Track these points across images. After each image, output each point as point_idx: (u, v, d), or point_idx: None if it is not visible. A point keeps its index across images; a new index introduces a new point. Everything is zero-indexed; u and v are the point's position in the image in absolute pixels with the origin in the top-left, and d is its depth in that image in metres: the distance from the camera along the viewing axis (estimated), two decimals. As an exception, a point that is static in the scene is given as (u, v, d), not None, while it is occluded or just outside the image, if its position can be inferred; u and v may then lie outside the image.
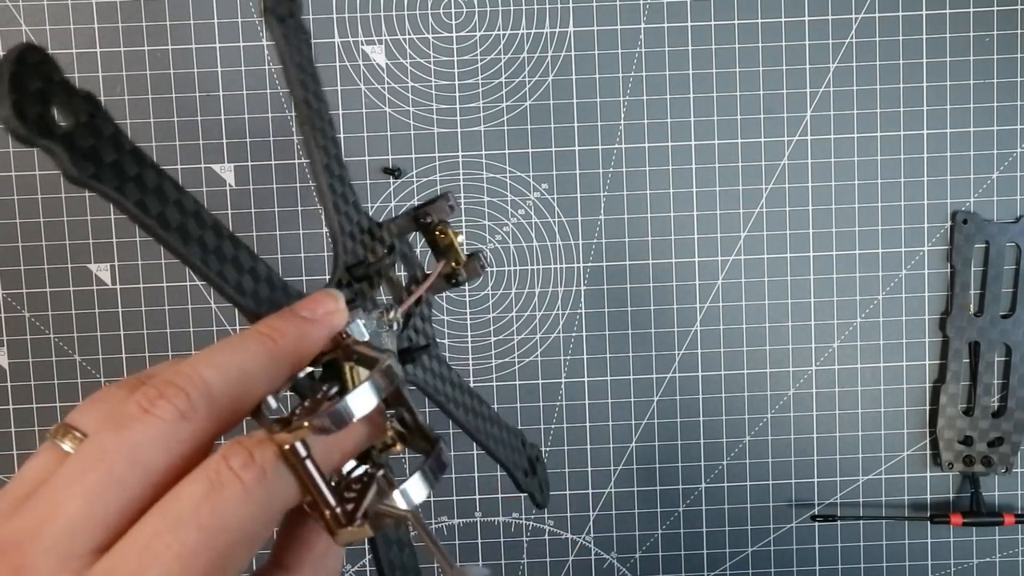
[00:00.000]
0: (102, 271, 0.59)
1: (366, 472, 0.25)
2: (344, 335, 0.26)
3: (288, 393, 0.26)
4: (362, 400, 0.23)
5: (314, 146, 0.31)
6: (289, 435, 0.22)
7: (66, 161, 0.21)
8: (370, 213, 0.59)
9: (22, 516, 0.20)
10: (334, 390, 0.25)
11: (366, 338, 0.27)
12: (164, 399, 0.22)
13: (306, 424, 0.22)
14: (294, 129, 0.58)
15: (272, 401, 0.24)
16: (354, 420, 0.23)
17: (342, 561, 0.26)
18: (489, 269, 0.60)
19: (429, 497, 0.25)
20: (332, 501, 0.23)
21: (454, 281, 0.36)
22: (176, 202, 0.25)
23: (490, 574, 0.30)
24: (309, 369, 0.26)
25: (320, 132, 0.32)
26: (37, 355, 0.59)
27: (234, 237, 0.26)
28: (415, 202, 0.59)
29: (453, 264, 0.36)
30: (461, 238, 0.36)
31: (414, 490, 0.24)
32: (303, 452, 0.22)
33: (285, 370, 0.24)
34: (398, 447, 0.26)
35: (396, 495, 0.24)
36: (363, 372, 0.25)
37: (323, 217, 0.32)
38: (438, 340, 0.36)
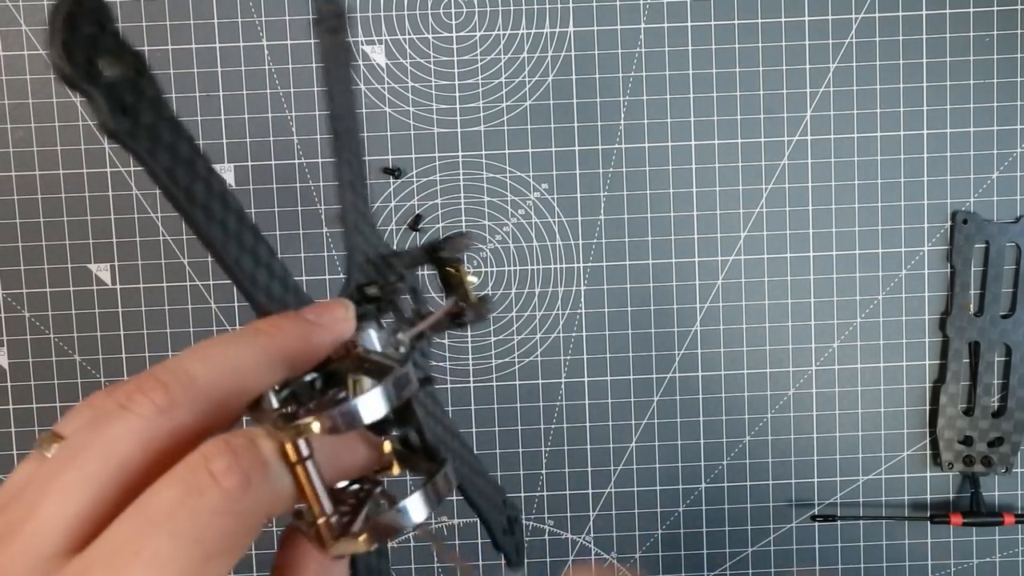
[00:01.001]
0: (102, 271, 0.59)
1: (361, 488, 0.24)
2: (354, 344, 0.25)
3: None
4: (372, 404, 0.22)
5: (343, 161, 0.31)
6: (293, 431, 0.21)
7: (104, 111, 0.21)
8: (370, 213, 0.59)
9: None
10: (341, 395, 0.24)
11: (379, 349, 0.26)
12: (141, 393, 0.21)
13: (313, 420, 0.21)
14: (294, 129, 0.58)
15: (273, 400, 0.23)
16: (362, 424, 0.22)
17: None
18: (489, 269, 0.60)
19: (429, 519, 0.24)
20: (329, 508, 0.22)
21: (459, 321, 0.36)
22: (205, 179, 0.25)
23: None
24: (311, 377, 0.25)
25: (349, 149, 0.32)
26: (37, 355, 0.59)
27: (255, 228, 0.26)
28: (415, 202, 0.59)
29: (461, 303, 0.35)
30: (472, 279, 0.35)
31: (415, 509, 0.23)
32: (305, 452, 0.21)
33: (281, 370, 0.23)
34: (396, 470, 0.24)
35: (393, 513, 0.23)
36: (368, 383, 0.24)
37: (341, 232, 0.31)
38: (434, 371, 0.36)
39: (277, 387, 0.24)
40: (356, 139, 0.32)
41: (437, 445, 0.25)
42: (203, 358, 0.22)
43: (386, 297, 0.29)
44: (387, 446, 0.24)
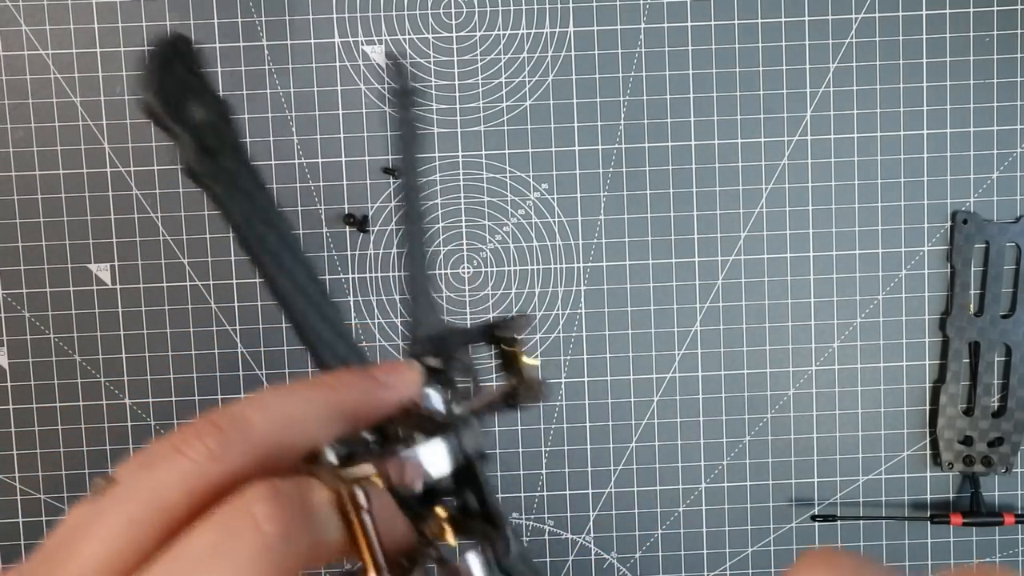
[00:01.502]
0: (102, 271, 0.59)
1: (414, 551, 0.23)
2: (416, 406, 0.25)
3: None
4: (436, 456, 0.21)
5: (411, 233, 0.31)
6: (351, 479, 0.21)
7: (191, 152, 0.22)
8: (369, 213, 0.59)
9: (44, 563, 0.20)
10: (401, 451, 0.23)
11: (442, 410, 0.26)
12: (197, 437, 0.21)
13: (373, 467, 0.21)
14: (294, 129, 0.58)
15: (330, 454, 0.22)
16: (425, 473, 0.21)
17: None
18: (489, 269, 0.60)
19: None
20: (383, 564, 0.21)
21: (511, 401, 0.36)
22: (278, 229, 0.25)
23: None
24: (370, 437, 0.25)
25: (416, 221, 0.32)
26: (37, 355, 0.59)
27: (322, 284, 0.26)
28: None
29: (516, 384, 0.35)
30: (531, 361, 0.34)
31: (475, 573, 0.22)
32: (363, 502, 0.21)
33: (340, 424, 0.23)
34: (451, 540, 0.23)
35: None
36: (431, 439, 0.24)
37: (407, 302, 0.31)
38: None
39: (335, 442, 0.23)
40: (421, 212, 0.32)
41: (500, 510, 0.25)
42: (262, 406, 0.22)
43: (444, 372, 0.29)
44: (440, 511, 0.24)
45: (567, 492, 0.61)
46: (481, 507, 0.25)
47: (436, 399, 0.26)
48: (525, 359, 0.33)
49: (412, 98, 0.32)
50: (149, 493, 0.20)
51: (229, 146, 0.23)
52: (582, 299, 0.60)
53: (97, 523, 0.20)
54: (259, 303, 0.59)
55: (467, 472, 0.24)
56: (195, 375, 0.59)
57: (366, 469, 0.21)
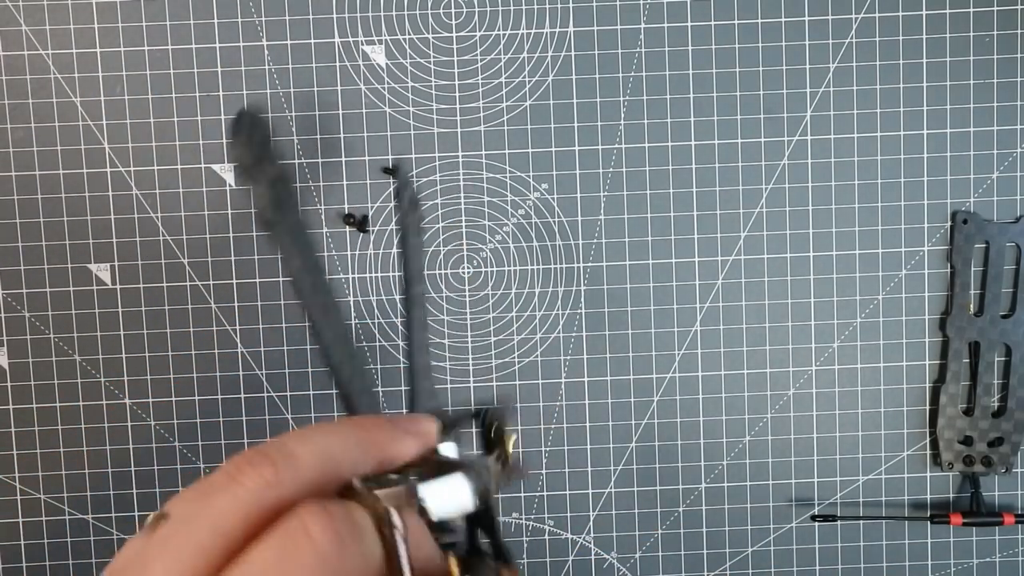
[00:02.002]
0: (102, 271, 0.59)
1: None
2: (433, 454, 0.27)
3: None
4: (458, 491, 0.24)
5: (414, 321, 0.34)
6: (390, 501, 0.22)
7: (266, 202, 0.26)
8: (369, 213, 0.59)
9: None
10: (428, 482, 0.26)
11: (456, 457, 0.28)
12: (252, 467, 0.22)
13: (405, 490, 0.23)
14: (294, 129, 0.58)
15: (357, 484, 0.24)
16: (450, 506, 0.23)
17: None
18: (489, 269, 0.60)
19: None
20: None
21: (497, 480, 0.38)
22: (323, 285, 0.28)
23: None
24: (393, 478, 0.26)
25: (419, 310, 0.35)
26: (37, 355, 0.59)
27: (352, 343, 0.29)
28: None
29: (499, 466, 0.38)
30: (513, 442, 0.36)
31: None
32: (398, 523, 0.22)
33: (370, 462, 0.25)
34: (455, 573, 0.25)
35: None
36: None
37: (411, 385, 0.34)
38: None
39: (364, 479, 0.25)
40: (423, 301, 0.35)
41: (511, 550, 0.27)
42: (305, 441, 0.24)
43: (455, 429, 0.31)
44: (453, 562, 0.25)
45: (567, 492, 0.61)
46: (494, 546, 0.26)
47: (451, 450, 0.28)
48: (510, 447, 0.34)
49: (419, 208, 0.36)
50: (211, 520, 0.22)
51: (293, 204, 0.27)
52: (582, 299, 0.60)
53: (162, 551, 0.21)
54: (259, 303, 0.59)
55: (482, 512, 0.26)
56: (195, 375, 0.59)
57: (399, 493, 0.23)
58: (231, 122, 0.26)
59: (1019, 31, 0.59)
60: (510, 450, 0.34)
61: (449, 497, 0.24)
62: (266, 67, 0.58)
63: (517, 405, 0.60)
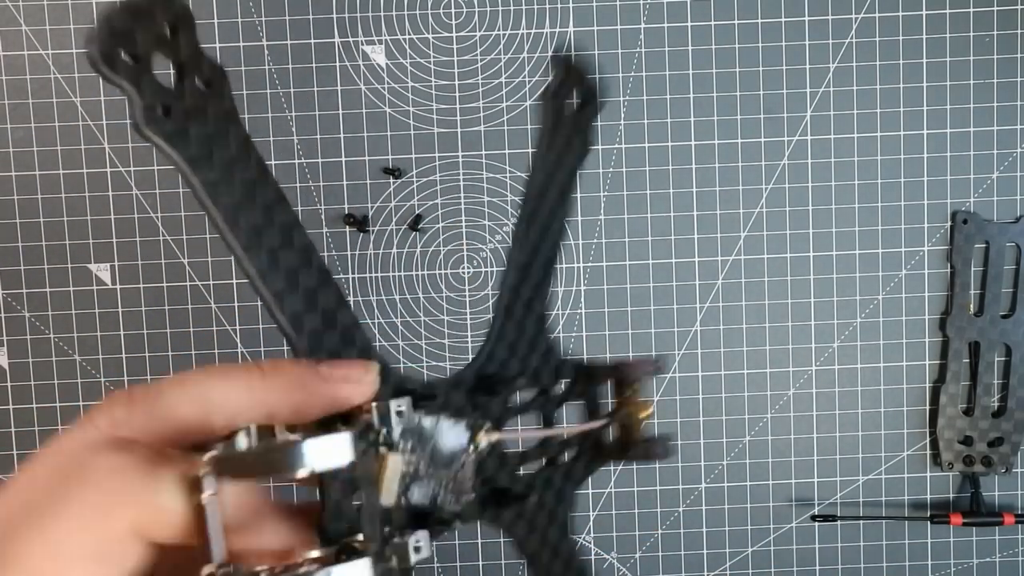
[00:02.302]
0: (102, 271, 0.59)
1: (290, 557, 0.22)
2: (366, 411, 0.23)
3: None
4: (327, 450, 0.20)
5: (521, 239, 0.29)
6: (199, 462, 0.20)
7: (138, 108, 0.22)
8: (369, 213, 0.59)
9: None
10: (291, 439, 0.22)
11: (394, 434, 0.24)
12: (107, 405, 0.22)
13: (219, 452, 0.21)
14: (294, 129, 0.58)
15: (243, 440, 0.22)
16: (302, 473, 0.20)
17: None
18: (489, 270, 0.60)
19: None
20: (218, 557, 0.20)
21: (615, 455, 0.30)
22: (266, 207, 0.25)
23: None
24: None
25: (538, 233, 0.29)
26: (37, 355, 0.59)
27: (325, 272, 0.24)
28: (415, 202, 0.59)
29: (620, 428, 0.30)
30: (648, 411, 0.30)
31: None
32: (209, 490, 0.20)
33: (257, 412, 0.22)
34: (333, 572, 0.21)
35: None
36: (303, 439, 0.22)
37: (494, 314, 0.29)
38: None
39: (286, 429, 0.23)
40: (552, 228, 0.29)
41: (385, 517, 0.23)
42: (182, 384, 0.23)
43: (432, 397, 0.26)
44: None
45: (567, 492, 0.61)
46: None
47: (393, 423, 0.24)
48: (643, 411, 0.29)
49: (593, 106, 0.29)
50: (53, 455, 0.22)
51: (212, 113, 0.23)
52: (582, 299, 0.60)
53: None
54: (259, 303, 0.59)
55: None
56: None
57: (212, 458, 0.21)
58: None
59: (1019, 31, 0.59)
60: (638, 421, 0.29)
61: (327, 454, 0.20)
62: (266, 67, 0.58)
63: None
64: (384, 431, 0.23)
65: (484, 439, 0.26)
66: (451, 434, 0.26)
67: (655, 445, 0.29)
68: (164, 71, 0.23)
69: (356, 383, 0.24)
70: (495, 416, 0.28)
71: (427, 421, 0.25)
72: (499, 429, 0.27)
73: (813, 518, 0.60)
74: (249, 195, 0.24)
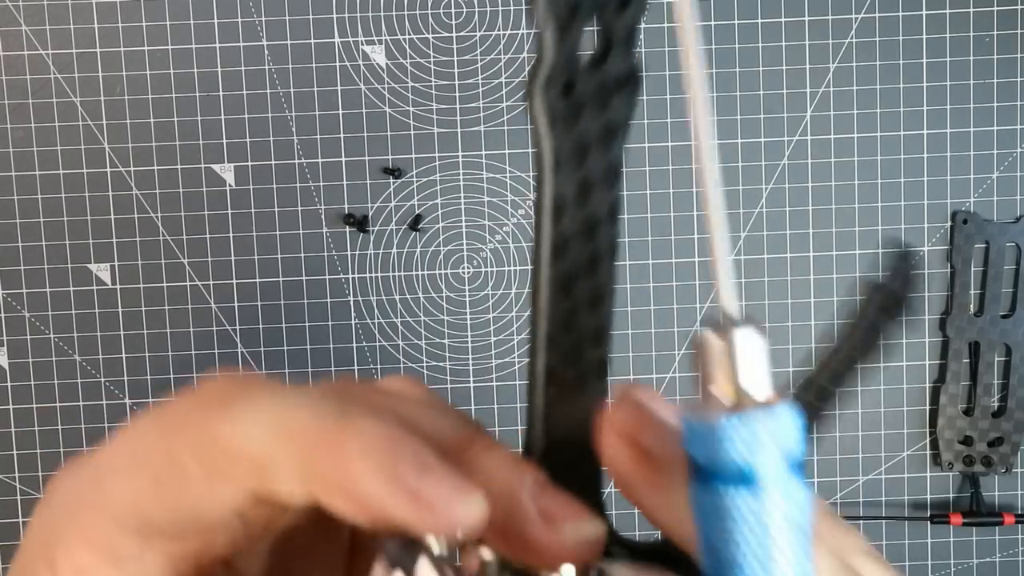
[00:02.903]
0: (102, 271, 0.59)
1: None
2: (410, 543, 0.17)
3: None
4: None
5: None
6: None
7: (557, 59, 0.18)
8: (369, 213, 0.59)
9: None
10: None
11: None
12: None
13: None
14: (294, 129, 0.58)
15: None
16: None
17: None
18: (489, 269, 0.60)
19: None
20: None
21: None
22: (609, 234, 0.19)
23: None
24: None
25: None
26: (37, 355, 0.59)
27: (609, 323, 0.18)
28: (415, 202, 0.59)
29: None
30: None
31: None
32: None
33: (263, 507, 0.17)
34: None
35: None
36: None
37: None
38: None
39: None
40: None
41: None
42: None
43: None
44: None
45: (567, 492, 0.60)
46: None
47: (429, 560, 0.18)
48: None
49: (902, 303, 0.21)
50: None
51: (610, 118, 0.18)
52: (582, 299, 0.60)
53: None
54: (259, 303, 0.59)
55: None
56: (195, 375, 0.59)
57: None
58: None
59: (1019, 31, 0.59)
60: None
61: None
62: (266, 67, 0.58)
63: (518, 406, 0.60)
64: None
65: None
66: None
67: None
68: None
69: (572, 539, 0.17)
70: None
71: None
72: None
73: (813, 518, 0.60)
74: (587, 233, 0.18)
